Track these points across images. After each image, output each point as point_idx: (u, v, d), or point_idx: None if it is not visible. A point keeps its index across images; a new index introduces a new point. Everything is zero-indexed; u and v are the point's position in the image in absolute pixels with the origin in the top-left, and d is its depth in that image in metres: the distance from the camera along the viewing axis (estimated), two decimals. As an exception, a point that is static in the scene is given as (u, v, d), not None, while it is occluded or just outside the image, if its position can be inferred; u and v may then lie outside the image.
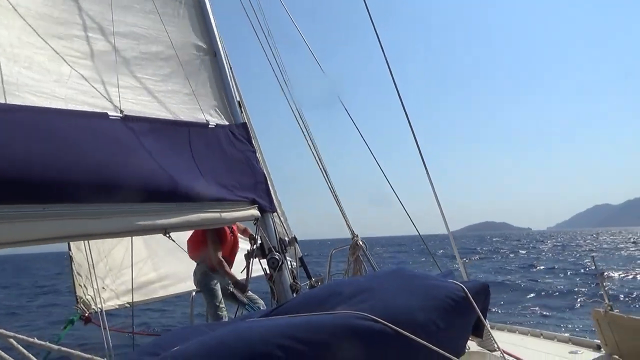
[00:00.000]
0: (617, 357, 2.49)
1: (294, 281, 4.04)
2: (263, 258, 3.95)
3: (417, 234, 4.83)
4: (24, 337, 1.18)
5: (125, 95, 2.94)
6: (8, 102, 2.21)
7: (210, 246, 4.55)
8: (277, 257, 3.84)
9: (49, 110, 2.37)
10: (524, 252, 43.97)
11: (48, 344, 1.19)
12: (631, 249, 42.67)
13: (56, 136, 2.30)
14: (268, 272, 3.87)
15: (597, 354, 2.63)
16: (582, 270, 23.58)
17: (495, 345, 2.27)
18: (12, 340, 1.16)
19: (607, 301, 2.59)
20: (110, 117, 2.66)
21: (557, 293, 16.82)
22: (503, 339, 2.04)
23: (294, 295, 3.79)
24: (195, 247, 4.69)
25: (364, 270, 4.52)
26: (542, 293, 16.99)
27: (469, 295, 1.82)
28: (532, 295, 16.52)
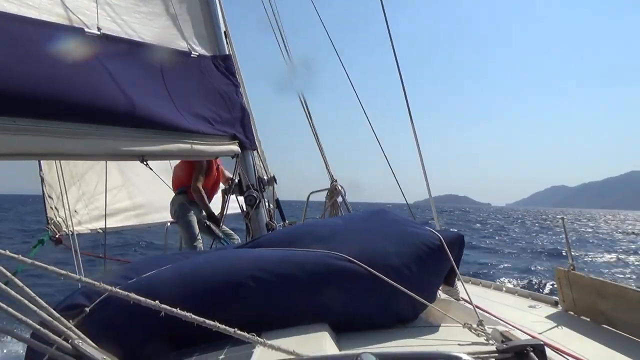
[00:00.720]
0: (572, 312, 2.62)
1: (270, 220, 4.08)
2: (240, 195, 3.95)
3: (405, 202, 4.87)
4: (22, 258, 1.14)
5: (103, 13, 2.75)
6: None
7: (195, 174, 4.50)
8: (254, 194, 3.84)
9: (24, 19, 2.19)
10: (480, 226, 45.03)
11: (21, 257, 1.14)
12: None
13: (31, 47, 2.14)
14: (245, 209, 3.89)
15: (554, 310, 2.75)
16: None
17: (461, 295, 2.34)
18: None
19: (570, 261, 2.69)
20: (87, 34, 2.49)
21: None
22: (468, 290, 2.12)
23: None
24: (179, 176, 4.65)
25: (341, 214, 4.55)
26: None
27: (444, 243, 1.84)
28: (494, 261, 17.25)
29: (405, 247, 1.81)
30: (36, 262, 1.20)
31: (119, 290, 1.23)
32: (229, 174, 4.88)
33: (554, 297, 3.00)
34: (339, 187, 4.77)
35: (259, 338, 1.17)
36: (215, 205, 4.68)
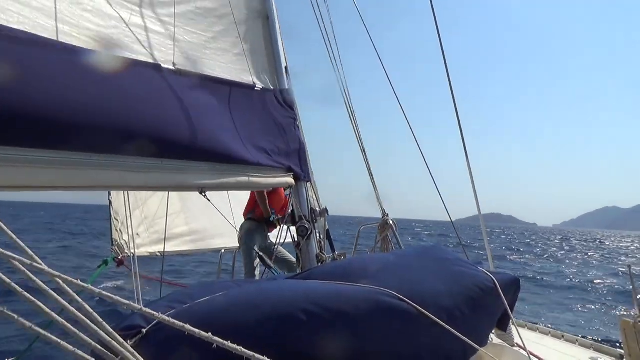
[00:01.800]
0: None
1: (320, 252, 4.11)
2: (293, 225, 4.02)
3: (450, 220, 4.77)
4: (70, 279, 1.24)
5: (178, 49, 2.97)
6: (67, 43, 2.25)
7: (258, 198, 4.82)
8: (306, 225, 3.90)
9: (104, 55, 2.40)
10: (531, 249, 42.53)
11: (90, 287, 1.25)
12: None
13: (110, 83, 2.33)
14: (296, 239, 3.96)
15: None
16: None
17: (515, 340, 2.25)
18: (58, 279, 1.22)
19: (638, 312, 2.52)
20: (163, 69, 2.69)
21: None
22: (523, 335, 2.02)
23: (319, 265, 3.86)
24: (249, 204, 4.88)
25: (392, 250, 4.51)
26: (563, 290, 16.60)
27: (499, 287, 1.80)
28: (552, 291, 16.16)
29: (457, 287, 1.78)
30: (103, 293, 1.29)
31: (174, 320, 1.30)
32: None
33: (618, 350, 2.81)
34: (391, 222, 4.75)
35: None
36: (275, 235, 4.83)
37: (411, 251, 2.53)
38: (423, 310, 1.61)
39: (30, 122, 1.93)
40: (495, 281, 1.82)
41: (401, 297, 1.67)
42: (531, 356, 1.66)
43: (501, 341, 2.34)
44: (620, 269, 25.85)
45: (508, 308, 1.82)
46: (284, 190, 4.94)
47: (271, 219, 4.90)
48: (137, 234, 5.30)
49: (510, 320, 1.93)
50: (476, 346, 1.64)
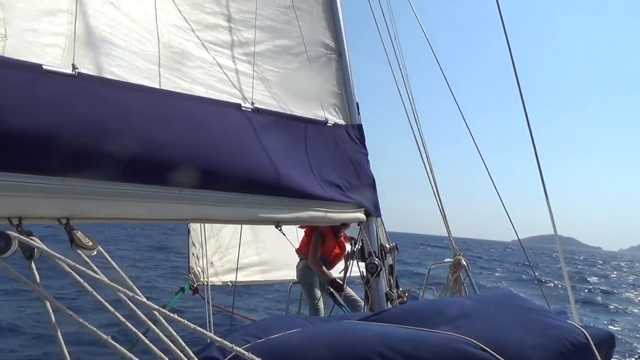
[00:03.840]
0: None
1: (389, 290, 4.02)
2: (362, 261, 3.98)
3: (517, 238, 4.47)
4: (165, 312, 1.31)
5: (256, 87, 3.11)
6: (162, 88, 2.44)
7: (312, 244, 4.73)
8: (376, 262, 3.84)
9: (192, 98, 2.57)
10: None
11: (177, 317, 1.31)
12: None
13: (197, 123, 2.49)
14: (365, 275, 3.90)
15: None
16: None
17: None
18: (156, 313, 1.30)
19: None
20: (243, 108, 2.82)
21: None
22: None
23: (389, 304, 3.76)
24: (304, 242, 4.88)
25: (464, 292, 4.31)
26: None
27: (592, 343, 1.65)
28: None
29: (544, 340, 1.66)
30: (186, 322, 1.35)
31: (252, 356, 1.33)
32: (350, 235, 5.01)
33: None
34: (464, 262, 4.55)
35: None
36: (336, 268, 4.77)
37: (491, 296, 2.40)
38: None
39: (128, 160, 2.09)
40: (589, 336, 1.67)
41: (483, 346, 1.58)
42: None
43: None
44: None
45: None
46: (342, 233, 4.84)
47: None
48: (212, 263, 5.48)
49: None
50: None
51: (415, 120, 4.85)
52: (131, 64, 2.35)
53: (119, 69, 2.25)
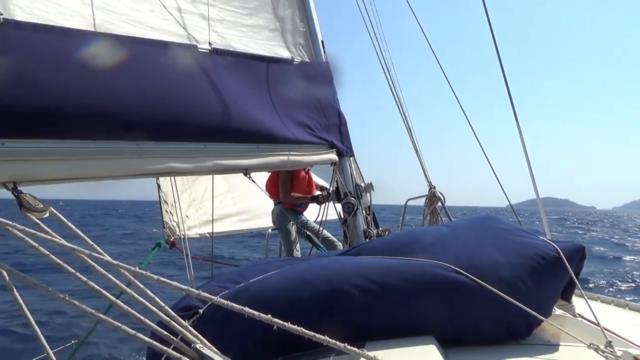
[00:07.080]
0: None
1: (367, 227, 4.05)
2: (338, 202, 3.97)
3: (509, 204, 4.58)
4: (127, 266, 1.25)
5: (213, 28, 2.93)
6: (108, 32, 2.25)
7: (280, 185, 4.64)
8: (352, 202, 3.84)
9: (140, 40, 2.38)
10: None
11: (148, 273, 1.27)
12: None
13: (148, 68, 2.32)
14: (342, 216, 3.90)
15: None
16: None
17: (577, 311, 2.13)
18: (117, 267, 1.24)
19: None
20: (200, 49, 2.66)
21: None
22: (584, 305, 1.90)
23: (367, 241, 3.79)
24: (273, 187, 4.80)
25: (441, 222, 4.38)
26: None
27: (563, 256, 1.68)
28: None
29: (518, 258, 1.69)
30: (161, 279, 1.30)
31: (232, 303, 1.31)
32: (319, 181, 4.94)
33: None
34: (438, 194, 4.59)
35: (368, 353, 1.15)
36: (311, 212, 4.75)
37: (464, 222, 2.42)
38: (482, 283, 1.53)
39: (74, 115, 1.94)
40: (559, 250, 1.70)
41: (458, 269, 1.60)
42: (603, 328, 1.55)
43: (563, 312, 2.23)
44: None
45: (574, 278, 1.70)
46: (304, 172, 4.77)
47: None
48: (187, 216, 5.42)
49: (579, 290, 1.83)
50: (541, 317, 1.55)
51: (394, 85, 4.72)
52: (68, 8, 2.14)
53: (53, 15, 2.05)
